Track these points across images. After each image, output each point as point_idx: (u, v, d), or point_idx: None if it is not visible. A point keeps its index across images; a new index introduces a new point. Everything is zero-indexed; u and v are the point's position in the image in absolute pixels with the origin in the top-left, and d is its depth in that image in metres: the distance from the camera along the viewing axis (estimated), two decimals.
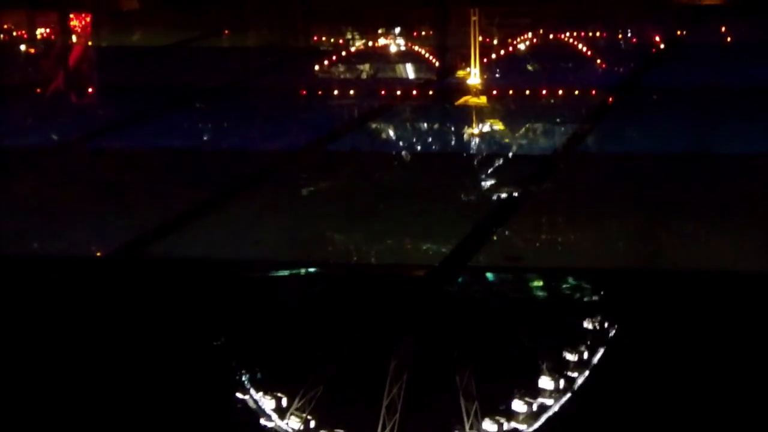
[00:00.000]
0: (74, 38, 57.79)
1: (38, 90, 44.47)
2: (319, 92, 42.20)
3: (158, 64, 50.05)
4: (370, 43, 51.49)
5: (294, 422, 17.28)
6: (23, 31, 57.39)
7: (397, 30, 51.82)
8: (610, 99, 40.41)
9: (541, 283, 22.92)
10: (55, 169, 33.04)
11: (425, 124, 37.46)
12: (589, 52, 48.29)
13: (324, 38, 54.07)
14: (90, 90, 46.21)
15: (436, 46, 50.55)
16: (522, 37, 50.90)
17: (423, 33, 53.21)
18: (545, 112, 37.84)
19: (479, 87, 39.56)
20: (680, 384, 17.96)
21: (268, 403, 17.65)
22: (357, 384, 18.00)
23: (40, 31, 57.29)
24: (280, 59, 50.28)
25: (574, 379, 18.16)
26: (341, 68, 47.12)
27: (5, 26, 58.08)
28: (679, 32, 53.74)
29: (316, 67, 46.64)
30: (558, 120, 36.73)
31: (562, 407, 17.69)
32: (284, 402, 17.56)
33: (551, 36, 51.26)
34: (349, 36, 53.65)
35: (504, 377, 18.09)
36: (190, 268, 23.95)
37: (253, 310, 21.26)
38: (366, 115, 38.74)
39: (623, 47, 51.32)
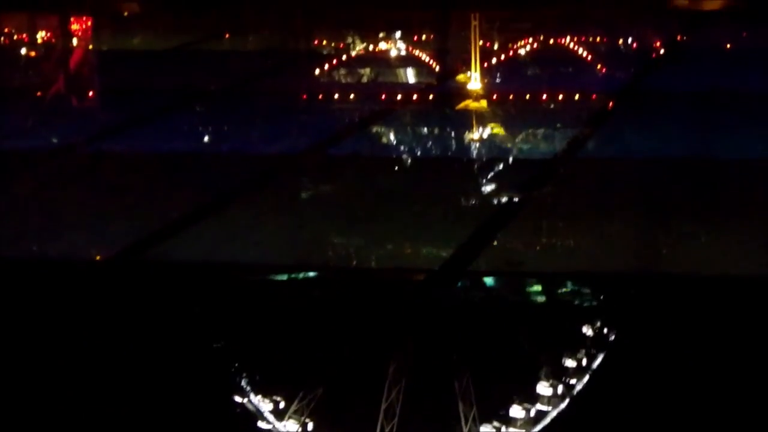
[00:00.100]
0: (75, 41, 57.81)
1: (39, 93, 44.48)
2: (320, 96, 42.20)
3: (159, 68, 50.06)
4: (371, 47, 51.50)
5: (292, 426, 17.27)
6: (24, 35, 57.42)
7: (398, 34, 51.82)
8: (611, 103, 40.41)
9: (541, 288, 22.90)
10: (55, 173, 33.04)
11: (425, 129, 37.46)
12: (589, 57, 48.30)
13: (325, 42, 54.08)
14: (91, 93, 46.22)
15: (437, 50, 50.55)
16: (522, 42, 50.91)
17: (423, 37, 53.22)
18: (546, 117, 37.85)
19: (479, 91, 39.58)
20: (681, 388, 17.94)
21: (266, 407, 17.64)
22: (355, 388, 17.98)
23: (40, 35, 57.32)
24: (281, 63, 50.29)
25: (574, 385, 18.13)
26: (342, 72, 47.13)
27: (6, 29, 58.09)
28: (679, 37, 53.76)
29: (317, 71, 46.64)
30: (558, 124, 36.73)
31: (562, 412, 17.67)
32: (282, 405, 17.55)
33: (552, 41, 51.26)
34: (349, 40, 53.65)
35: (504, 382, 18.06)
36: (190, 272, 23.95)
37: (252, 313, 21.25)
38: (366, 119, 38.74)
39: (623, 52, 51.32)
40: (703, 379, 18.11)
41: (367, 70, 47.09)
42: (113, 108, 42.15)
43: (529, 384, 17.86)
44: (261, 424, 17.42)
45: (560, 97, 39.89)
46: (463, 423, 17.06)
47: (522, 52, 49.82)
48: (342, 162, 33.55)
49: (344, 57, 49.40)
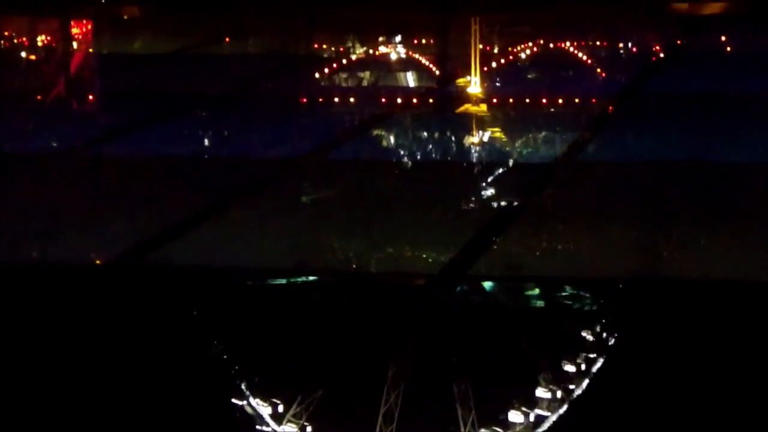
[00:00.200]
0: (75, 45, 57.87)
1: (39, 96, 44.54)
2: (320, 99, 42.27)
3: (160, 71, 50.10)
4: (371, 51, 51.56)
5: (291, 428, 17.35)
6: (24, 38, 57.47)
7: (398, 38, 51.86)
8: (610, 107, 40.46)
9: (540, 292, 22.94)
10: (55, 175, 33.12)
11: (426, 132, 37.50)
12: (589, 61, 48.36)
13: (325, 46, 54.12)
14: (91, 96, 46.27)
15: (437, 54, 50.60)
16: (522, 46, 50.97)
17: (424, 41, 53.27)
18: (545, 121, 37.88)
19: (479, 95, 39.64)
20: (677, 391, 18.02)
21: (266, 410, 17.72)
22: (354, 391, 18.05)
23: (41, 38, 57.38)
24: (282, 66, 50.33)
25: (572, 388, 18.21)
26: (342, 76, 47.18)
27: (6, 33, 58.16)
28: (678, 41, 53.80)
29: (317, 75, 46.70)
30: (557, 128, 36.78)
31: (560, 415, 17.74)
32: (281, 408, 17.63)
33: (551, 45, 51.32)
34: (350, 44, 53.71)
35: (502, 385, 18.12)
36: (192, 275, 24.02)
37: (252, 316, 21.31)
38: (367, 123, 38.80)
39: (623, 56, 51.35)
40: (702, 381, 18.19)
41: (368, 74, 47.15)
42: (113, 111, 42.17)
43: (527, 388, 17.94)
44: (261, 426, 17.50)
45: (559, 101, 39.94)
46: (461, 426, 17.13)
47: (522, 56, 49.89)
48: (342, 166, 33.61)
49: (345, 61, 49.46)
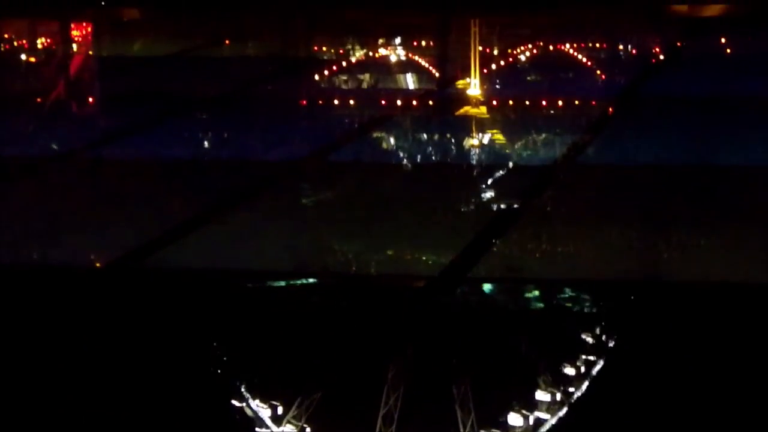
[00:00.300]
0: (75, 48, 57.89)
1: (39, 99, 44.55)
2: (320, 102, 42.28)
3: (160, 74, 50.12)
4: (371, 53, 51.58)
5: (291, 429, 17.35)
6: (24, 41, 57.50)
7: (398, 40, 51.89)
8: (610, 109, 40.47)
9: (540, 294, 22.94)
10: (54, 178, 33.13)
11: (425, 135, 37.51)
12: (588, 63, 48.38)
13: (325, 48, 54.15)
14: (90, 99, 46.29)
15: (437, 56, 50.62)
16: (522, 48, 50.99)
17: (424, 43, 53.29)
18: (544, 123, 37.89)
19: (479, 97, 39.65)
20: (678, 393, 18.02)
21: (266, 411, 17.71)
22: (354, 393, 18.04)
23: (41, 41, 57.40)
24: (281, 69, 50.36)
25: (572, 391, 18.20)
26: (342, 78, 47.20)
27: (6, 36, 58.18)
28: (678, 43, 53.83)
29: (317, 77, 46.73)
30: (557, 130, 36.79)
31: (559, 418, 17.74)
32: (281, 410, 17.63)
33: (551, 47, 51.35)
34: (350, 46, 53.73)
35: (502, 387, 18.12)
36: (193, 278, 24.02)
37: (253, 318, 21.31)
38: (367, 125, 38.82)
39: (623, 57, 51.38)
40: (703, 384, 18.18)
41: (367, 76, 47.17)
42: (113, 114, 42.19)
43: (527, 390, 17.93)
44: (260, 428, 17.50)
45: (559, 103, 39.96)
46: (461, 428, 17.12)
47: (522, 58, 49.91)
48: (342, 168, 33.63)
49: (344, 63, 49.49)
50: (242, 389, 18.19)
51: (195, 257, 25.32)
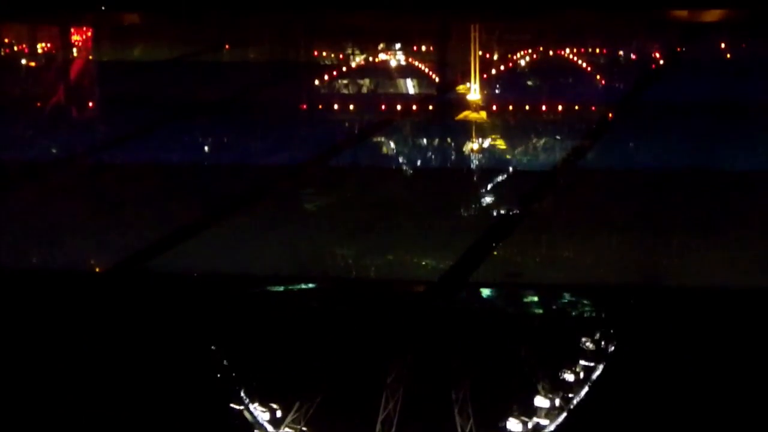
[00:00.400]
0: (75, 52, 57.92)
1: (38, 104, 44.58)
2: (320, 107, 42.32)
3: (159, 78, 50.16)
4: (371, 58, 51.62)
5: None
6: (24, 46, 57.53)
7: (398, 45, 51.94)
8: (610, 115, 40.50)
9: (540, 299, 22.91)
10: (55, 182, 33.13)
11: (425, 140, 37.52)
12: (588, 68, 48.41)
13: (324, 53, 54.19)
14: (90, 104, 46.31)
15: (437, 61, 50.67)
16: (522, 53, 51.03)
17: (423, 48, 53.34)
18: (545, 128, 37.93)
19: (479, 102, 39.67)
20: (678, 398, 17.98)
21: (265, 416, 17.68)
22: (353, 399, 18.02)
23: (41, 45, 57.44)
24: (281, 74, 50.40)
25: (572, 397, 18.16)
26: (341, 83, 47.24)
27: (6, 40, 58.22)
28: (678, 48, 53.89)
29: (317, 82, 46.76)
30: (557, 135, 36.81)
31: (559, 424, 17.71)
32: (279, 415, 17.60)
33: (551, 51, 51.39)
34: (349, 51, 53.78)
35: (501, 392, 18.08)
36: (192, 281, 24.01)
37: (253, 324, 21.29)
38: (366, 130, 38.84)
39: (623, 63, 51.42)
40: (703, 389, 18.15)
41: (367, 81, 47.20)
42: (113, 118, 42.21)
43: (527, 395, 17.89)
44: None
45: (559, 108, 39.97)
46: None
47: (521, 63, 49.94)
48: (341, 172, 33.63)
49: (344, 68, 49.52)
50: (241, 393, 18.17)
51: (195, 261, 25.31)
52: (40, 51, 56.95)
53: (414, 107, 41.39)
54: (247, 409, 17.82)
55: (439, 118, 40.73)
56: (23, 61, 54.96)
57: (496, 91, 43.97)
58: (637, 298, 22.66)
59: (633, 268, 24.52)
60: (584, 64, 48.98)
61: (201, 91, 45.99)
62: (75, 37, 59.50)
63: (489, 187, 31.43)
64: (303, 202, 30.51)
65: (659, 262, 25.00)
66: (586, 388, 18.37)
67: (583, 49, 51.52)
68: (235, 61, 55.93)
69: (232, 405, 17.92)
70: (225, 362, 19.15)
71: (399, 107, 40.92)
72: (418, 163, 34.76)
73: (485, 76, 43.38)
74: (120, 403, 18.23)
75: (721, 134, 36.56)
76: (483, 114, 39.00)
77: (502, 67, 48.21)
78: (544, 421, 17.56)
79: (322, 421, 17.33)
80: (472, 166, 34.44)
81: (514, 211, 28.70)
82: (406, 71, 48.41)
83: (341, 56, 52.94)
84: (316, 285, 23.74)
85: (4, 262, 25.71)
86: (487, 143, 36.30)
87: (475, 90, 39.71)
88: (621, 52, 52.93)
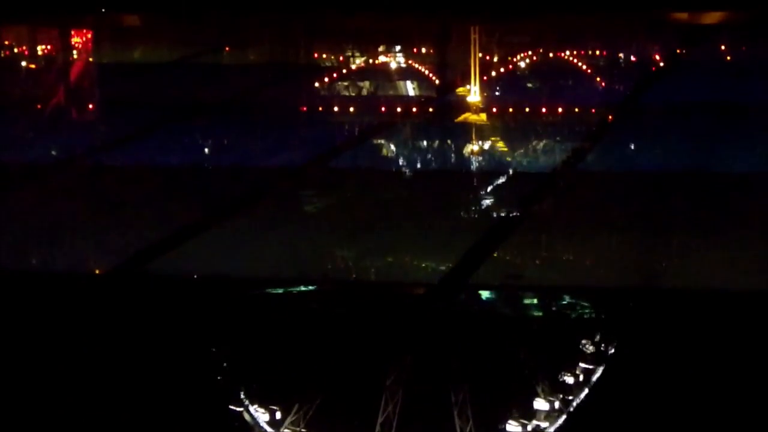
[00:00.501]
0: (75, 54, 57.89)
1: (39, 106, 44.58)
2: (320, 109, 42.30)
3: (159, 80, 50.12)
4: (371, 61, 51.59)
5: None
6: (24, 48, 57.49)
7: (398, 47, 51.90)
8: (610, 117, 40.48)
9: (539, 301, 22.93)
10: (55, 184, 33.16)
11: (425, 142, 37.52)
12: (588, 70, 48.37)
13: (325, 55, 54.15)
14: (90, 106, 46.30)
15: (437, 63, 50.63)
16: (521, 55, 50.99)
17: (423, 50, 53.29)
18: (544, 130, 37.90)
19: (479, 104, 39.67)
20: (677, 400, 18.01)
21: (266, 415, 17.72)
22: (354, 398, 18.04)
23: (41, 47, 57.39)
24: (281, 76, 50.36)
25: (571, 399, 18.19)
26: (342, 85, 47.21)
27: (6, 42, 58.19)
28: (678, 50, 53.80)
29: (317, 84, 46.74)
30: (557, 138, 36.80)
31: (559, 427, 17.74)
32: (281, 414, 17.64)
33: (551, 54, 51.35)
34: (349, 53, 53.73)
35: (500, 395, 18.11)
36: (193, 284, 24.03)
37: (254, 324, 21.30)
38: (366, 132, 38.83)
39: (622, 65, 51.36)
40: (701, 390, 18.18)
41: (367, 83, 47.19)
42: (113, 120, 42.20)
43: (526, 398, 17.91)
44: None
45: (559, 110, 39.96)
46: None
47: (521, 65, 49.90)
48: (342, 175, 33.63)
49: (344, 70, 49.49)
50: (241, 395, 18.20)
51: (195, 263, 25.32)
52: (40, 53, 56.90)
53: (414, 109, 41.36)
54: (247, 410, 17.85)
55: (439, 120, 40.68)
56: (24, 63, 54.92)
57: (496, 94, 43.94)
58: (637, 300, 22.68)
59: (632, 271, 24.53)
60: (584, 67, 48.96)
61: (201, 92, 45.94)
62: (75, 39, 59.47)
63: (489, 189, 31.44)
64: (303, 203, 30.51)
65: (658, 263, 25.02)
66: (586, 390, 18.39)
67: (582, 52, 51.47)
68: (236, 63, 55.86)
69: (232, 406, 17.96)
70: (225, 364, 19.16)
71: (399, 109, 40.90)
72: (418, 165, 34.77)
73: (485, 78, 43.35)
74: (121, 404, 18.26)
75: (719, 136, 36.56)
76: (483, 116, 38.98)
77: (502, 70, 48.18)
78: (543, 424, 17.59)
79: (321, 422, 17.36)
80: (471, 168, 34.44)
81: (514, 213, 28.72)
82: (407, 73, 48.38)
83: (341, 58, 52.90)
84: (316, 287, 23.76)
85: (5, 263, 25.73)
86: (487, 145, 36.31)
87: (475, 92, 39.69)
88: (621, 54, 52.87)
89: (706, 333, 20.41)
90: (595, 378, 18.68)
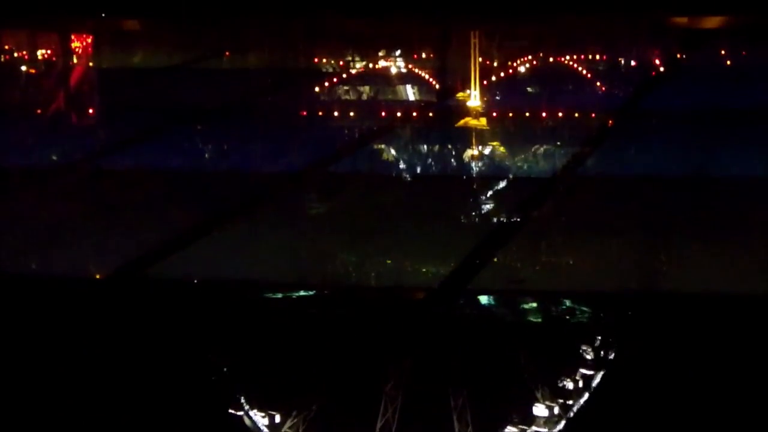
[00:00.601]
0: (75, 59, 57.89)
1: (39, 110, 44.60)
2: (320, 113, 42.30)
3: (159, 85, 50.12)
4: (371, 65, 51.60)
5: None
6: (24, 52, 57.51)
7: (398, 52, 51.90)
8: (610, 122, 40.47)
9: (539, 306, 22.92)
10: (55, 188, 33.15)
11: (425, 146, 37.54)
12: (588, 75, 48.38)
13: (325, 60, 54.14)
14: (90, 110, 46.31)
15: (437, 67, 50.62)
16: (521, 60, 50.99)
17: (424, 55, 53.30)
18: (544, 134, 37.90)
19: (479, 109, 39.67)
20: (677, 403, 18.00)
21: (265, 420, 17.71)
22: (353, 403, 18.04)
23: (41, 52, 57.39)
24: (281, 80, 50.34)
25: (570, 405, 18.18)
26: (342, 89, 47.23)
27: (6, 47, 58.20)
28: (678, 55, 53.79)
29: (317, 89, 46.75)
30: (557, 142, 36.80)
31: (559, 430, 17.73)
32: (281, 418, 17.62)
33: (550, 59, 51.34)
34: (350, 58, 53.72)
35: (500, 399, 18.10)
36: (193, 288, 24.03)
37: (254, 328, 21.30)
38: (366, 137, 38.83)
39: (622, 70, 51.36)
40: (701, 394, 18.17)
41: (368, 88, 47.19)
42: (113, 125, 42.21)
43: (525, 402, 17.90)
44: None
45: (559, 115, 39.96)
46: None
47: (521, 69, 49.89)
48: (342, 179, 33.64)
49: (344, 75, 49.50)
50: (241, 398, 18.19)
51: (196, 267, 25.32)
52: (40, 57, 56.89)
53: (414, 114, 41.37)
54: (247, 414, 17.84)
55: (439, 125, 40.68)
56: (24, 68, 54.92)
57: (496, 98, 43.95)
58: (636, 305, 22.67)
59: (631, 276, 24.52)
60: (584, 71, 48.96)
61: (202, 97, 45.95)
62: (75, 44, 59.48)
63: (488, 193, 31.44)
64: (303, 207, 30.51)
65: (658, 268, 25.02)
66: (585, 396, 18.38)
67: (582, 56, 51.47)
68: (236, 68, 55.85)
69: (232, 410, 17.95)
70: (225, 368, 19.16)
71: (399, 114, 40.91)
72: (418, 169, 34.77)
73: (485, 82, 43.37)
74: (122, 408, 18.26)
75: (719, 141, 36.56)
76: (483, 121, 38.99)
77: (502, 74, 48.19)
78: (542, 429, 17.59)
79: (320, 426, 17.35)
80: (471, 172, 34.45)
81: (514, 218, 28.71)
82: (407, 78, 48.38)
83: (342, 63, 52.90)
84: (316, 291, 23.76)
85: (6, 267, 25.74)
86: (487, 150, 36.31)
87: (475, 97, 39.70)
88: (621, 59, 52.86)
89: (706, 338, 20.40)
90: (594, 383, 18.65)
